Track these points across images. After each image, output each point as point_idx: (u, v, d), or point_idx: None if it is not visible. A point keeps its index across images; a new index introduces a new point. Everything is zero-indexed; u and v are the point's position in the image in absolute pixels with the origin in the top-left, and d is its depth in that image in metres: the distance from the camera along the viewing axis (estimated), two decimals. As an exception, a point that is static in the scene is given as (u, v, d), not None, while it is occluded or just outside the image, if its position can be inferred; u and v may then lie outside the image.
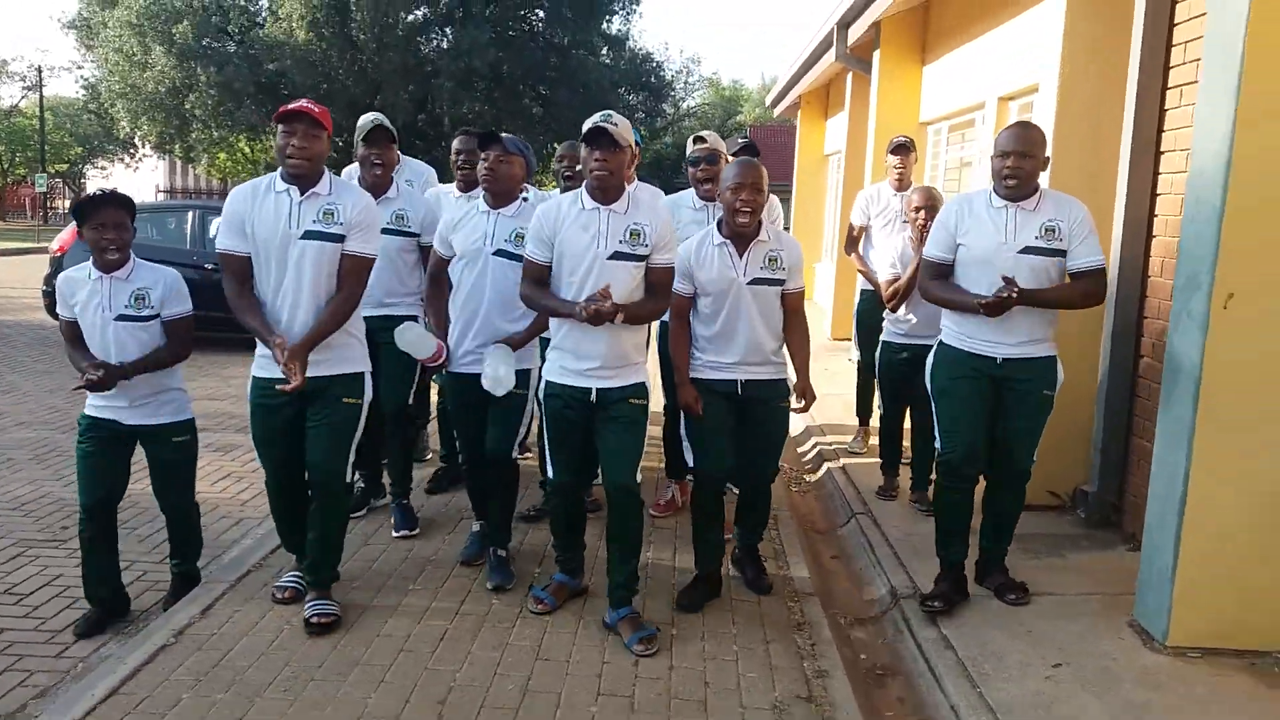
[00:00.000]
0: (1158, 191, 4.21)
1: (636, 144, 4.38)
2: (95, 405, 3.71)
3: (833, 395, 7.55)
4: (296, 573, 3.78)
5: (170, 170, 42.87)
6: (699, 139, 4.53)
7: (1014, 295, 3.41)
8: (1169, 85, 4.09)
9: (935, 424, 3.79)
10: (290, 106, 3.34)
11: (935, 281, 3.75)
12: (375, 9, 24.01)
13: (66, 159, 43.30)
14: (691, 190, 4.58)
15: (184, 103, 26.11)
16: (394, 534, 4.43)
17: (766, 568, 4.01)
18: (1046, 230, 3.51)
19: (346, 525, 3.84)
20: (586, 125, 3.35)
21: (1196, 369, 3.19)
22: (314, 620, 3.47)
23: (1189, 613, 3.33)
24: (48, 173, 37.15)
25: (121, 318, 3.60)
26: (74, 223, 10.66)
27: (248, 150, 32.17)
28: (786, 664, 3.34)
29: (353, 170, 4.76)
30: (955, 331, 3.73)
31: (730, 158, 4.43)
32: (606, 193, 3.37)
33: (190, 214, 9.98)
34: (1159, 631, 3.39)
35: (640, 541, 3.58)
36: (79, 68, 32.95)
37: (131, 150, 33.21)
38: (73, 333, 3.70)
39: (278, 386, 3.34)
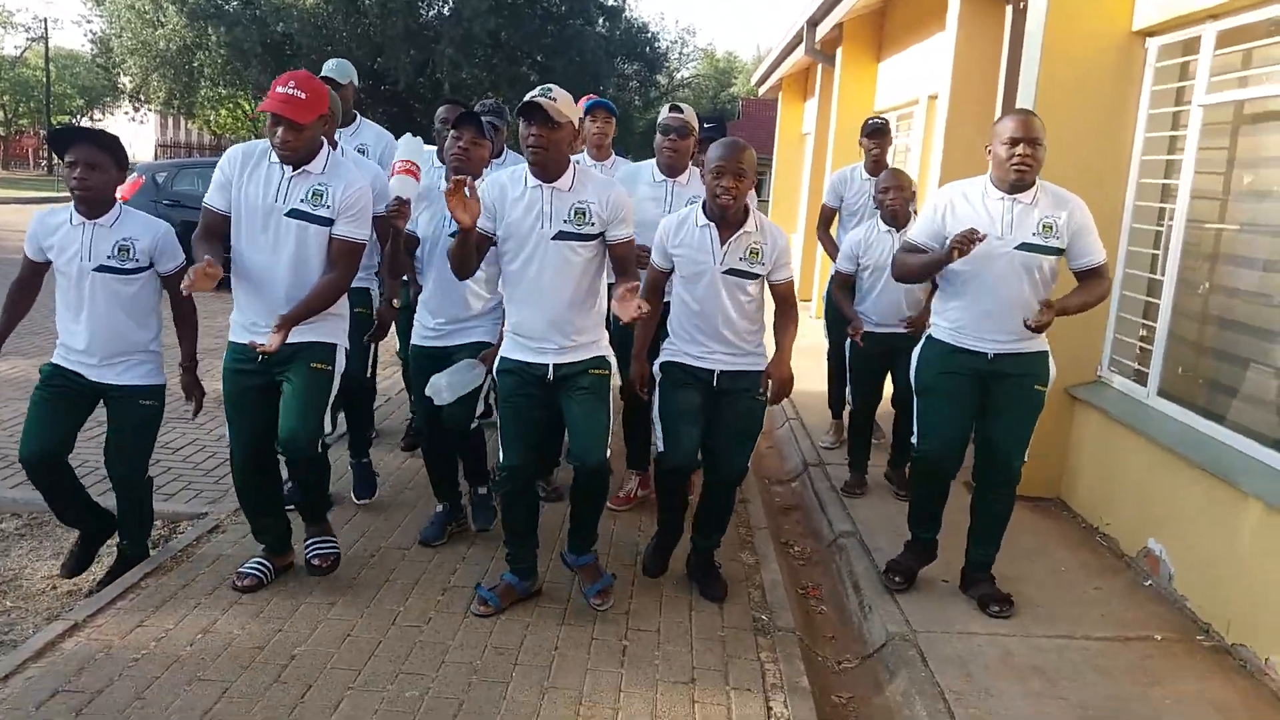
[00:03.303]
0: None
1: (595, 113, 4.57)
2: (64, 356, 3.48)
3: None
4: (261, 560, 3.57)
5: (162, 125, 43.76)
6: (675, 107, 4.32)
7: (1050, 320, 3.31)
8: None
9: (914, 418, 3.70)
10: (274, 101, 3.13)
11: (906, 254, 3.60)
12: (380, -26, 25.06)
13: (68, 110, 44.09)
14: (652, 162, 4.36)
15: (193, 61, 27.13)
16: (355, 500, 4.41)
17: (721, 572, 3.77)
18: (1044, 226, 3.35)
19: (328, 476, 3.68)
20: (525, 98, 3.18)
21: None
22: (315, 562, 3.50)
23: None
24: (55, 124, 38.04)
25: (102, 269, 3.36)
26: (133, 173, 11.77)
27: (248, 108, 33.15)
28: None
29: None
30: (946, 327, 3.57)
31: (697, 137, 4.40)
32: (546, 170, 3.22)
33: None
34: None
35: (603, 505, 3.50)
36: (88, 21, 33.66)
37: (136, 104, 34.19)
38: (32, 274, 3.48)
39: (254, 346, 3.21)
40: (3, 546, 4.02)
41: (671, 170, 4.29)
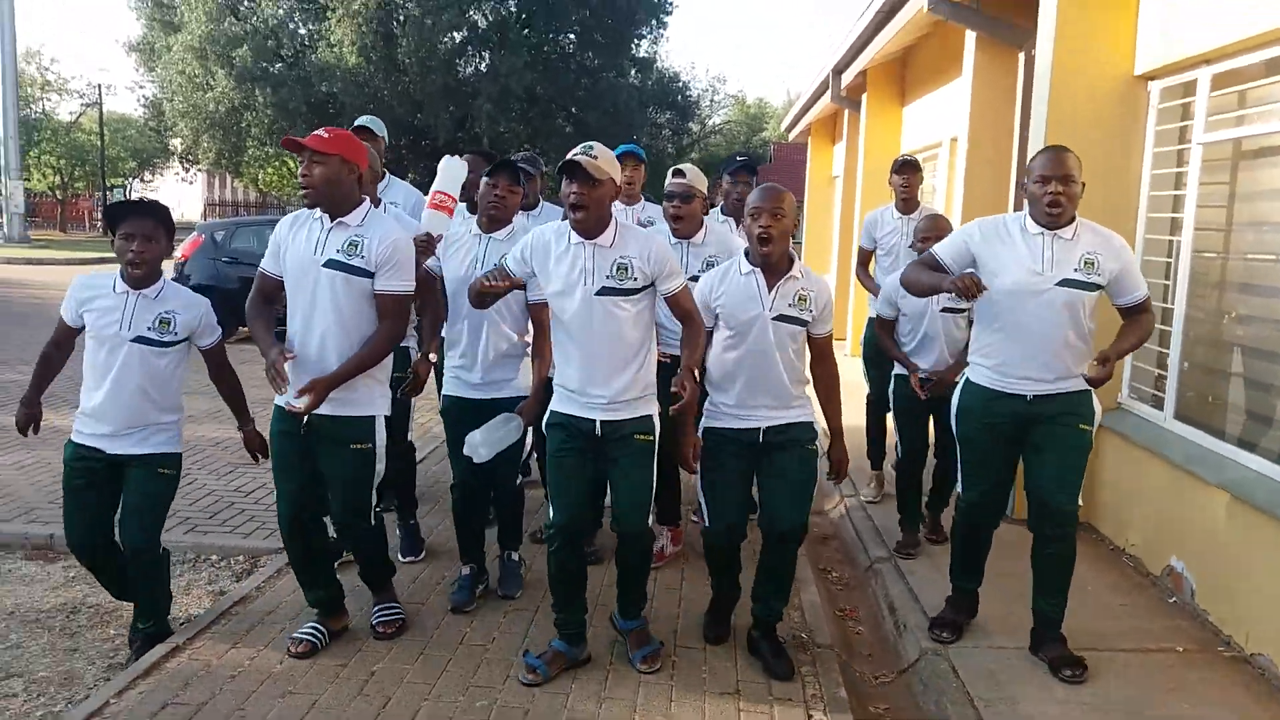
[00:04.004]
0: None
1: (625, 160, 4.46)
2: (79, 429, 3.46)
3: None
4: (315, 625, 3.56)
5: (209, 184, 45.32)
6: (677, 172, 4.30)
7: (1109, 373, 3.24)
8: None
9: (958, 463, 3.65)
10: (295, 138, 3.30)
11: (919, 267, 3.58)
12: (419, 34, 25.94)
13: (121, 173, 45.76)
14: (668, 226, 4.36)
15: (241, 122, 28.23)
16: (401, 559, 4.36)
17: (786, 649, 3.58)
18: (1086, 263, 3.33)
19: (386, 546, 3.75)
20: (567, 157, 3.21)
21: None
22: (380, 629, 3.59)
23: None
24: (119, 184, 39.80)
25: (140, 339, 3.38)
26: (194, 232, 12.42)
27: (293, 166, 34.24)
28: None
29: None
30: (984, 367, 3.52)
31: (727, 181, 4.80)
32: (587, 226, 3.22)
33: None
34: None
35: (648, 569, 3.57)
36: (140, 87, 35.18)
37: (186, 164, 35.56)
38: (66, 337, 3.51)
39: (284, 405, 3.32)
40: (104, 581, 4.32)
41: (683, 234, 4.27)
